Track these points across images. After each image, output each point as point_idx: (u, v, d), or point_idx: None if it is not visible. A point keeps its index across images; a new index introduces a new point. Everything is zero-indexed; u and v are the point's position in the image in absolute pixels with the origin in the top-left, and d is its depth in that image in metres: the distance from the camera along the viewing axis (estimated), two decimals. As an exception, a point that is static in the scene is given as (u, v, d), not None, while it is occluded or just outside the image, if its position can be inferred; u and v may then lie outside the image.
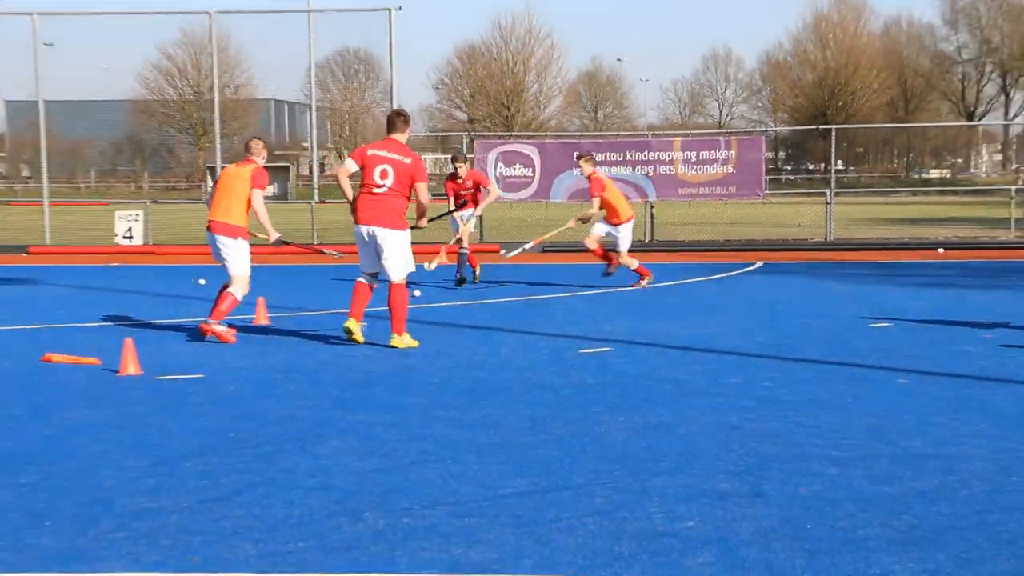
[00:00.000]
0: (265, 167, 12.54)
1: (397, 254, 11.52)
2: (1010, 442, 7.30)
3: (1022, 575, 4.96)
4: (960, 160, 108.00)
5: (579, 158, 17.28)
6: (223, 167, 14.36)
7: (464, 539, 5.48)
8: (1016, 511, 5.85)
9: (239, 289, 12.14)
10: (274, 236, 12.58)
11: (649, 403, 8.61)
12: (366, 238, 11.58)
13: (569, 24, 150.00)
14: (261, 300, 13.81)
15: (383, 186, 11.56)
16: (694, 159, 27.85)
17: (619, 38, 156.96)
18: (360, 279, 11.74)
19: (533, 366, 10.43)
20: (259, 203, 12.26)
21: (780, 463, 6.81)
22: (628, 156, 27.97)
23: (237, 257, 12.18)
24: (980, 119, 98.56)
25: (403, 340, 11.44)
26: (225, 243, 12.15)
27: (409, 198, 11.82)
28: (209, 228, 12.26)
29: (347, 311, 11.72)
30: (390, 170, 11.57)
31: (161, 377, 9.92)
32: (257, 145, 12.66)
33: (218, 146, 30.24)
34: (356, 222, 11.62)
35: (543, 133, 69.57)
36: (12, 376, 10.09)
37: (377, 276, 11.76)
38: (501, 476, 6.60)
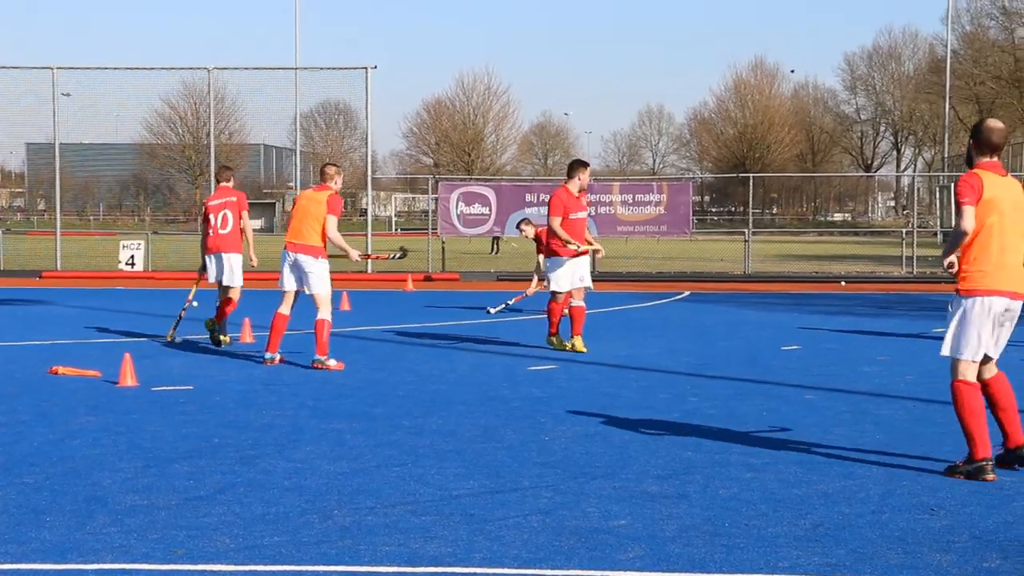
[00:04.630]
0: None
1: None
2: (900, 451, 7.29)
3: (910, 568, 4.92)
4: (859, 206, 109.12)
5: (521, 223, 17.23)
6: (299, 192, 13.61)
7: (421, 535, 5.39)
8: (905, 511, 5.83)
9: (326, 310, 11.16)
10: (355, 254, 11.62)
11: (588, 414, 8.57)
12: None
13: (523, 82, 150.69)
14: (247, 320, 13.67)
15: None
16: (631, 201, 27.91)
17: (567, 95, 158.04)
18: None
19: (487, 381, 10.36)
20: (333, 228, 11.20)
21: (702, 468, 6.76)
22: (572, 198, 27.94)
23: (320, 277, 11.20)
24: (876, 171, 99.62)
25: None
26: (308, 264, 11.18)
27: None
28: (289, 249, 11.35)
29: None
30: None
31: (156, 388, 9.77)
32: (331, 171, 11.55)
33: (212, 185, 29.98)
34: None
35: (499, 177, 69.68)
36: (23, 386, 9.91)
37: None
38: (456, 479, 6.52)
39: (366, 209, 32.61)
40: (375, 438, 7.70)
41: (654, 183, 29.60)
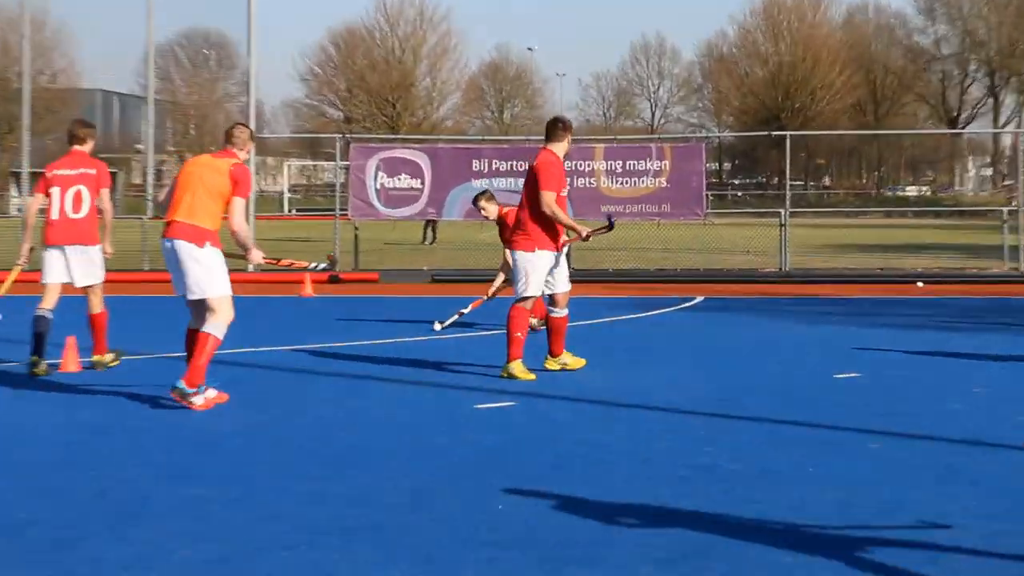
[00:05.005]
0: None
1: None
2: (1005, 522, 7.27)
3: None
4: (942, 176, 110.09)
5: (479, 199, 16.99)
6: (188, 158, 13.83)
7: (318, 651, 5.28)
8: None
9: (221, 322, 10.97)
10: (258, 255, 11.46)
11: (559, 472, 8.54)
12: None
13: (470, 7, 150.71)
14: (71, 341, 13.51)
15: None
16: (619, 170, 28.00)
17: (530, 24, 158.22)
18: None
19: (416, 425, 10.35)
20: (241, 215, 11.08)
21: (723, 551, 6.70)
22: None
23: (209, 272, 11.00)
24: (965, 126, 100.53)
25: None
26: (192, 253, 10.94)
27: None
28: (167, 234, 11.14)
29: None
30: None
31: (-62, 438, 9.63)
32: (243, 134, 11.46)
33: (26, 146, 29.85)
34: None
35: (435, 137, 69.76)
36: None
37: None
38: (372, 566, 6.47)
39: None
40: (255, 509, 7.62)
41: (653, 145, 29.67)
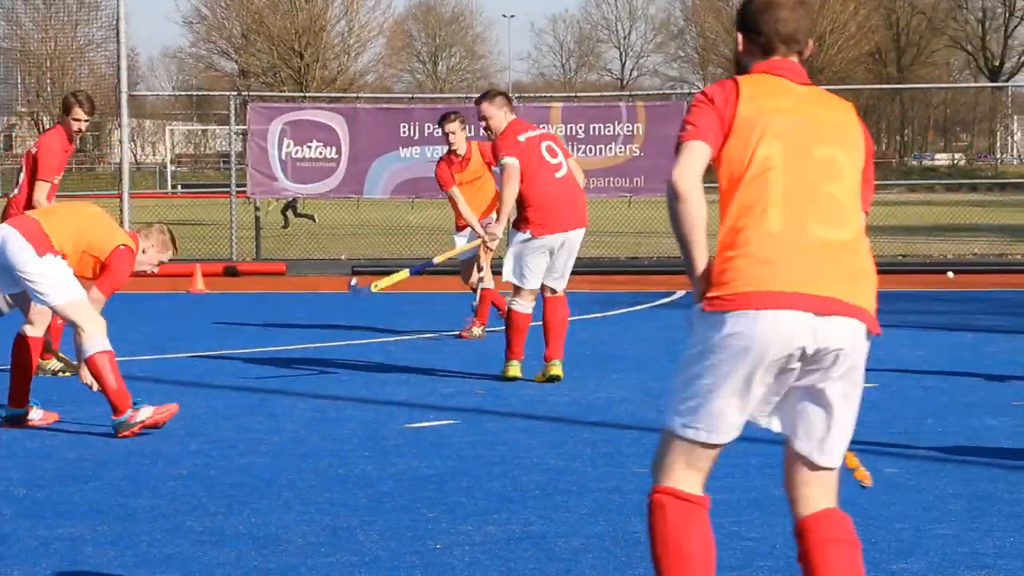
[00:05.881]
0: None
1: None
2: (1050, 560, 7.43)
3: None
4: (981, 140, 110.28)
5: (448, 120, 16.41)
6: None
7: None
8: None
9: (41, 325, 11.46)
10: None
11: (510, 504, 8.61)
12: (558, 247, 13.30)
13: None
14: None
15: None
16: (582, 135, 28.05)
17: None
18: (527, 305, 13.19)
19: (335, 448, 10.42)
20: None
21: (708, 595, 6.82)
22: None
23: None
24: (1010, 78, 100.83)
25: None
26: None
27: None
28: None
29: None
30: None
31: None
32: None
33: None
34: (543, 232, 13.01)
35: (353, 95, 69.64)
36: None
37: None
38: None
39: (120, 152, 32.35)
40: (137, 552, 7.68)
41: (623, 104, 29.81)
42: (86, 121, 14.37)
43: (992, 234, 35.18)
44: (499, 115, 13.43)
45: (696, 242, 5.01)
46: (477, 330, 16.53)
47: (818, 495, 5.18)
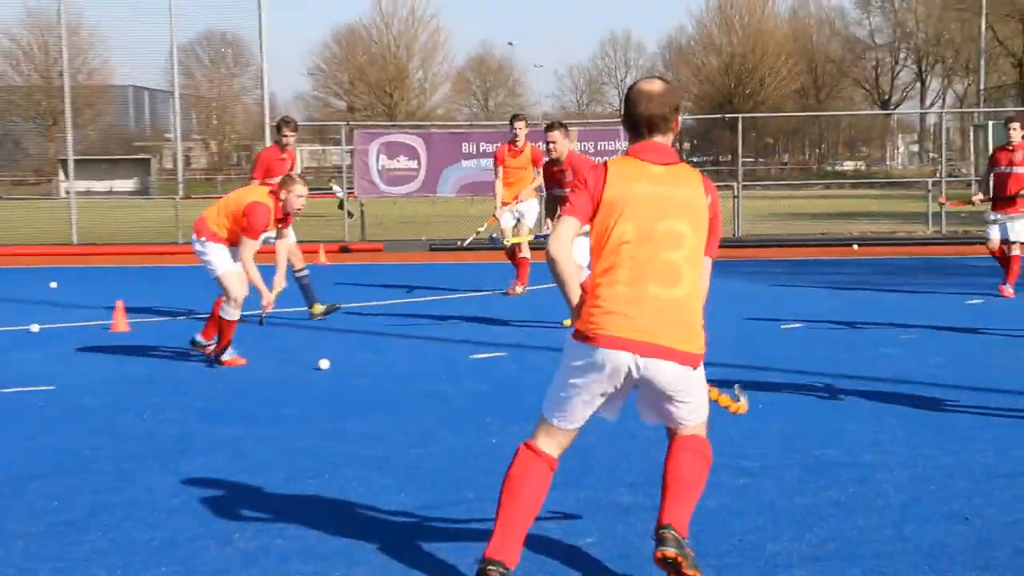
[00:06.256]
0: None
1: None
2: (928, 448, 7.44)
3: (941, 588, 5.06)
4: (875, 151, 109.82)
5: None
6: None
7: (343, 561, 5.45)
8: (933, 522, 5.97)
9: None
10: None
11: (545, 412, 8.62)
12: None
13: (456, 6, 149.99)
14: (119, 304, 13.60)
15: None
16: (593, 150, 27.99)
17: (510, 22, 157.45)
18: None
19: (421, 374, 10.43)
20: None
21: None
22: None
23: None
24: (895, 108, 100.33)
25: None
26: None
27: None
28: None
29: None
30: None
31: (7, 390, 9.73)
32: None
33: (69, 137, 29.78)
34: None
35: (429, 123, 69.49)
36: None
37: None
38: (384, 492, 6.59)
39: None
40: (283, 445, 7.74)
41: (620, 128, 29.65)
42: (292, 135, 14.65)
43: (885, 218, 35.02)
44: (563, 141, 13.41)
45: (569, 286, 5.11)
46: (519, 288, 16.50)
47: (684, 432, 5.24)
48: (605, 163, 5.20)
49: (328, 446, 7.70)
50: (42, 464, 7.30)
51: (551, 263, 5.10)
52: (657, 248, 5.03)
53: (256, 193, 11.01)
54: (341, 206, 42.19)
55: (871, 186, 63.51)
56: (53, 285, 17.87)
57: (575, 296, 5.12)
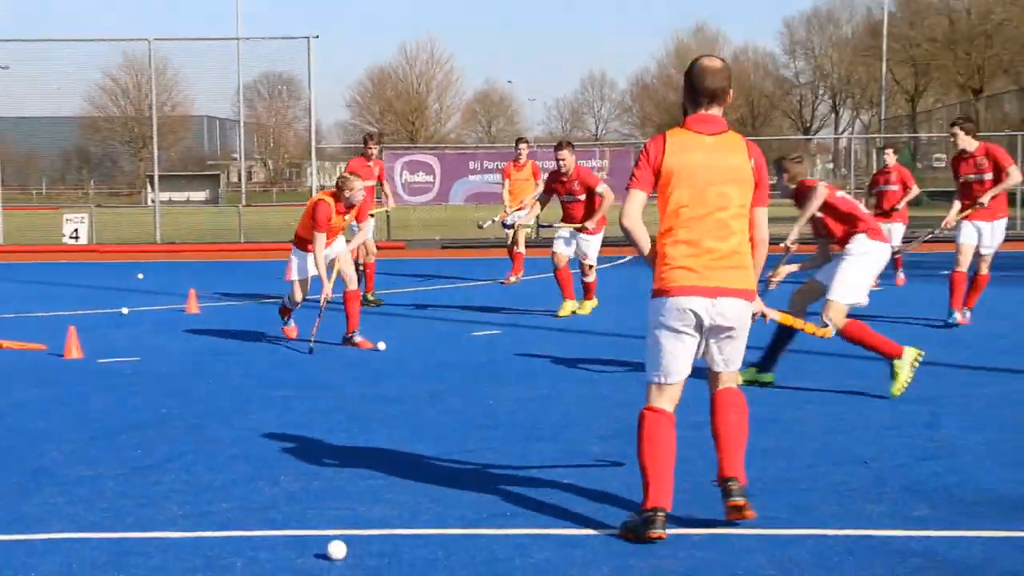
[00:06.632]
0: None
1: None
2: (838, 406, 7.43)
3: (843, 519, 5.04)
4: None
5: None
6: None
7: (369, 498, 5.43)
8: (840, 464, 5.97)
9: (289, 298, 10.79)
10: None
11: (531, 378, 8.62)
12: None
13: (466, 50, 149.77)
14: (192, 291, 13.59)
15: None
16: (573, 168, 27.92)
17: (510, 63, 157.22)
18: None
19: (432, 347, 10.39)
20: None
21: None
22: (516, 165, 27.99)
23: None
24: (815, 133, 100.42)
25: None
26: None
27: None
28: None
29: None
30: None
31: (102, 360, 9.70)
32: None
33: (155, 157, 29.78)
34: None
35: (443, 145, 69.40)
36: (-34, 361, 9.79)
37: None
38: (403, 443, 6.56)
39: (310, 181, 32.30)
40: (323, 405, 7.72)
41: (597, 148, 29.67)
42: (375, 147, 14.32)
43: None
44: (571, 159, 13.13)
45: (640, 246, 5.02)
46: (513, 278, 16.45)
47: (723, 383, 5.11)
48: (663, 134, 5.04)
49: (358, 406, 7.68)
50: (128, 420, 7.28)
51: (626, 233, 5.01)
52: (710, 209, 4.90)
53: (321, 195, 10.84)
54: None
55: (796, 196, 63.25)
56: (140, 276, 17.85)
57: (646, 250, 5.01)
